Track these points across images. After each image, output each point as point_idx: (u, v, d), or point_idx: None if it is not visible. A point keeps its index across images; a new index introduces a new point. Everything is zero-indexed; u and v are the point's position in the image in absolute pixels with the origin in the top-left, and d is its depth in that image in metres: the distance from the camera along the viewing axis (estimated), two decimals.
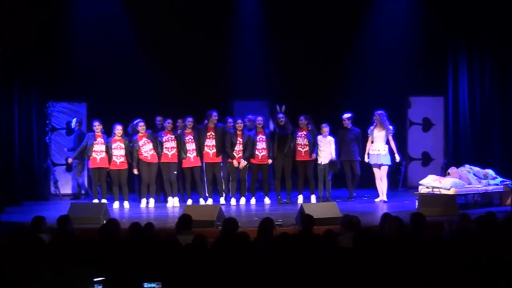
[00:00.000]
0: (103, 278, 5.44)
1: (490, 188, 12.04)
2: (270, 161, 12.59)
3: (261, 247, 6.18)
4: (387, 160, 12.84)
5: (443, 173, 13.10)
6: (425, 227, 6.68)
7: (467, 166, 12.39)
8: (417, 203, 11.12)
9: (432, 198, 11.22)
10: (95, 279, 5.40)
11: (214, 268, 5.64)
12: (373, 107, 14.41)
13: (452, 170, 12.33)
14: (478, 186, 11.98)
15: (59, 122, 14.40)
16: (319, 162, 12.68)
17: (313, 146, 12.50)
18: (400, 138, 14.99)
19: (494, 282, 5.56)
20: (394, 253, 5.82)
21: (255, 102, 15.21)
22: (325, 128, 12.71)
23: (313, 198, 12.50)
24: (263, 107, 15.05)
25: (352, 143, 12.93)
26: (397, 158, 12.81)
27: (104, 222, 8.96)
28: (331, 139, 12.71)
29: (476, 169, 12.34)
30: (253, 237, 6.87)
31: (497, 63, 13.78)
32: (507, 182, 12.15)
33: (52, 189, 14.22)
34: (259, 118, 12.72)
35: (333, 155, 12.72)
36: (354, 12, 14.59)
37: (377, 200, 12.84)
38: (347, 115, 13.14)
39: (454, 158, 13.96)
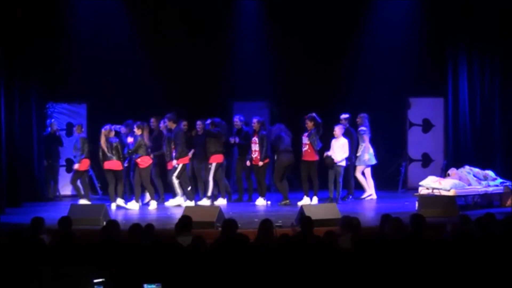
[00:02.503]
0: (103, 280, 5.45)
1: (490, 189, 12.03)
2: (260, 163, 12.55)
3: (261, 248, 6.18)
4: (363, 161, 12.90)
5: (443, 174, 13.09)
6: (425, 228, 6.68)
7: (467, 167, 12.38)
8: (417, 204, 11.12)
9: (432, 199, 11.21)
10: (95, 281, 5.41)
11: (213, 269, 5.65)
12: (373, 108, 14.48)
13: (452, 171, 12.32)
14: (478, 187, 11.97)
15: (59, 123, 14.39)
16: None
17: (315, 145, 12.42)
18: (400, 139, 15.04)
19: (494, 283, 5.57)
20: (394, 254, 5.82)
21: (255, 102, 15.22)
22: (336, 129, 12.69)
23: (314, 199, 12.45)
24: (262, 108, 15.06)
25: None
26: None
27: (104, 223, 8.97)
28: (344, 142, 12.62)
29: (476, 170, 12.33)
30: (253, 238, 6.87)
31: (497, 63, 13.77)
32: (507, 183, 12.14)
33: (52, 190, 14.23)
34: (254, 120, 12.70)
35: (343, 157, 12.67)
36: (354, 13, 14.58)
37: (363, 196, 13.15)
38: (344, 116, 13.14)
39: (454, 159, 13.94)
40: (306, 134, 12.46)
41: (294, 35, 14.78)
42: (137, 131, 12.34)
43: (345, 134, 12.79)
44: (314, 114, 12.47)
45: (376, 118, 14.71)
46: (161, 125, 12.81)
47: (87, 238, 7.20)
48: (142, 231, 7.21)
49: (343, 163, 12.63)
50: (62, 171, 14.42)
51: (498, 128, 13.74)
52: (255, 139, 12.59)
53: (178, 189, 12.51)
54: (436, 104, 15.06)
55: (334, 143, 12.63)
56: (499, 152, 13.68)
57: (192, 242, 6.43)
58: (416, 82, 14.76)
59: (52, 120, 14.02)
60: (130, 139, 12.41)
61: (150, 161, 12.41)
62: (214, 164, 12.56)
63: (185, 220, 7.67)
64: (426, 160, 15.20)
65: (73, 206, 10.84)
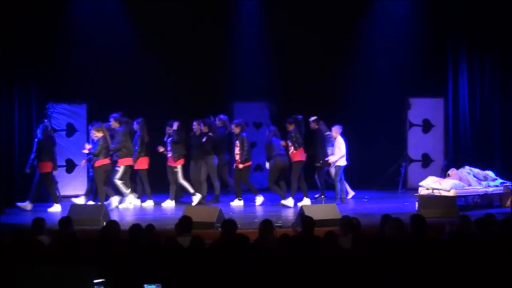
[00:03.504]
0: (103, 280, 5.44)
1: (490, 189, 12.03)
2: (240, 166, 12.52)
3: (261, 248, 6.18)
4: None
5: (443, 174, 13.10)
6: (425, 228, 6.68)
7: (467, 167, 12.39)
8: (417, 205, 11.12)
9: (432, 200, 11.21)
10: (95, 281, 5.40)
11: (213, 270, 5.65)
12: (373, 108, 14.49)
13: (452, 171, 12.33)
14: (478, 188, 11.98)
15: (59, 124, 14.37)
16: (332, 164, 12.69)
17: (296, 145, 12.36)
18: (400, 140, 15.03)
19: (494, 283, 5.57)
20: (394, 255, 5.82)
21: (256, 103, 15.22)
22: (333, 129, 12.72)
23: (290, 201, 12.35)
24: (263, 108, 15.06)
25: (316, 146, 12.97)
26: None
27: (104, 223, 8.98)
28: (340, 141, 12.67)
29: (476, 170, 12.34)
30: (253, 238, 6.88)
31: (497, 64, 13.78)
32: (507, 184, 12.15)
33: None
34: (232, 125, 12.71)
35: (336, 157, 12.67)
36: (354, 13, 14.58)
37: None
38: (312, 118, 13.13)
39: (454, 159, 13.96)
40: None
41: (294, 35, 14.77)
42: (98, 134, 12.29)
43: (315, 135, 12.82)
44: (296, 116, 12.55)
45: (376, 118, 14.75)
46: (194, 126, 12.86)
47: (87, 238, 7.20)
48: (142, 232, 7.22)
49: (340, 163, 12.68)
50: (62, 171, 14.40)
51: (498, 129, 13.75)
52: (236, 142, 12.58)
53: (123, 189, 12.51)
54: (436, 105, 15.05)
55: (334, 143, 12.69)
56: (499, 153, 13.69)
57: (191, 243, 6.43)
58: (416, 83, 14.75)
59: (45, 120, 13.98)
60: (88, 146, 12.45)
61: (107, 162, 12.35)
62: (179, 167, 12.67)
63: (185, 220, 7.69)
64: (426, 161, 15.19)
65: (73, 207, 10.86)
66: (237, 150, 12.59)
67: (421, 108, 15.22)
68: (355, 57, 14.78)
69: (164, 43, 14.67)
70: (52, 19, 13.72)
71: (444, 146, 14.95)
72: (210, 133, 12.78)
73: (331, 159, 12.76)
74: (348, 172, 13.25)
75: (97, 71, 14.28)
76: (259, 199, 12.68)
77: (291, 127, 12.46)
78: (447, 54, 14.28)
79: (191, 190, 12.69)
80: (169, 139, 12.74)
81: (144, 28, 14.52)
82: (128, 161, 12.56)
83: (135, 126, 12.75)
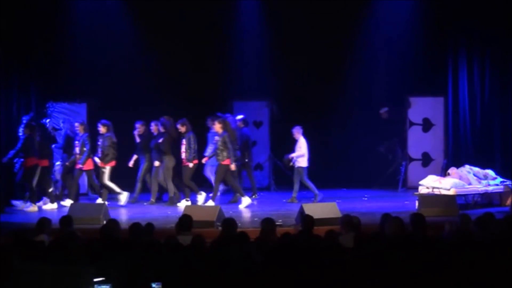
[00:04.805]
0: (104, 278, 5.45)
1: (490, 188, 12.05)
2: (191, 164, 12.37)
3: (263, 247, 6.18)
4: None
5: (443, 173, 13.10)
6: (425, 227, 6.68)
7: (467, 166, 12.40)
8: (417, 204, 11.13)
9: (432, 199, 11.22)
10: (96, 280, 5.41)
11: (213, 269, 5.65)
12: (373, 107, 14.48)
13: (452, 170, 12.34)
14: (478, 187, 11.99)
15: (59, 123, 14.37)
16: (296, 165, 12.63)
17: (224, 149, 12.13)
18: (400, 139, 15.03)
19: (493, 282, 5.57)
20: (394, 253, 5.82)
21: (255, 102, 15.23)
22: (294, 131, 12.64)
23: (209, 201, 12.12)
24: (262, 107, 15.07)
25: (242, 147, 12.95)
26: None
27: (104, 222, 8.99)
28: (300, 142, 12.57)
29: (476, 169, 12.35)
30: (253, 237, 6.88)
31: (497, 63, 13.79)
32: (507, 183, 12.15)
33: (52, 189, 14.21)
34: (178, 124, 12.52)
35: (295, 157, 12.59)
36: (355, 12, 14.59)
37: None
38: (239, 117, 13.06)
39: (454, 158, 13.96)
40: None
41: (295, 35, 14.78)
42: (26, 131, 12.21)
43: (241, 136, 12.79)
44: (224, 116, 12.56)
45: (376, 118, 14.75)
46: (152, 127, 12.76)
47: (87, 237, 7.20)
48: (142, 230, 7.23)
49: (302, 164, 12.57)
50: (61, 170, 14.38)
51: (498, 128, 13.76)
52: (183, 141, 12.43)
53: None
54: (436, 104, 15.04)
55: (297, 144, 12.66)
56: (499, 152, 13.69)
57: (192, 242, 6.43)
58: (416, 82, 14.76)
59: (47, 120, 13.97)
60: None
61: (35, 162, 12.29)
62: (108, 168, 12.60)
63: (185, 219, 7.69)
64: (426, 159, 15.18)
65: (73, 205, 10.87)
66: (183, 149, 12.40)
67: (421, 107, 15.21)
68: (355, 56, 14.78)
69: (163, 42, 14.67)
70: (52, 18, 13.73)
71: (444, 145, 14.95)
72: (166, 133, 12.61)
73: (291, 156, 12.63)
74: (348, 171, 13.24)
75: (97, 70, 14.29)
76: (184, 203, 12.25)
77: (218, 127, 12.23)
78: (447, 53, 14.28)
79: (118, 190, 12.64)
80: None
81: (144, 27, 14.53)
82: (33, 161, 12.35)
83: (78, 128, 12.69)
